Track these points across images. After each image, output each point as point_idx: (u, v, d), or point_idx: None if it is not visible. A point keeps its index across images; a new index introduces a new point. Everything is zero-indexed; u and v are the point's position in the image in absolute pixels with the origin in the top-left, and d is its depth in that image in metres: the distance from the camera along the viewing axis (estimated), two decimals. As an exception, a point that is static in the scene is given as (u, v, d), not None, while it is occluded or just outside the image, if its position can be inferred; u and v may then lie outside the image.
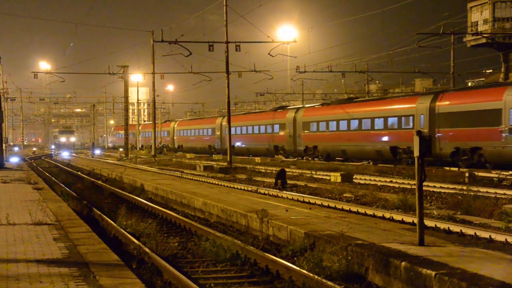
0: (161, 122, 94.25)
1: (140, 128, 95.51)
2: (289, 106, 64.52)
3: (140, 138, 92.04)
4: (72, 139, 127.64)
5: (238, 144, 60.94)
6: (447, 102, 34.24)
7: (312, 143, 47.90)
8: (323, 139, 46.46)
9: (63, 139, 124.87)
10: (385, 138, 39.13)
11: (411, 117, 36.74)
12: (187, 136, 78.75)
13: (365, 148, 41.17)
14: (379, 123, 39.85)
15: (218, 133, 66.59)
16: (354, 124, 42.57)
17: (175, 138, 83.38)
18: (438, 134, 34.14)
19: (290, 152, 51.65)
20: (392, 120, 38.64)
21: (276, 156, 52.83)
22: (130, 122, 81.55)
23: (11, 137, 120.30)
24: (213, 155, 58.99)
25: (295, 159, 48.33)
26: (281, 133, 53.14)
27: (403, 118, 37.59)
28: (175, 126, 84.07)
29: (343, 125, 43.87)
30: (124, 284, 7.86)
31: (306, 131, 48.94)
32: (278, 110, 56.75)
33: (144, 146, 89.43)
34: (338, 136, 44.24)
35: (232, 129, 61.94)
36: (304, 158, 48.17)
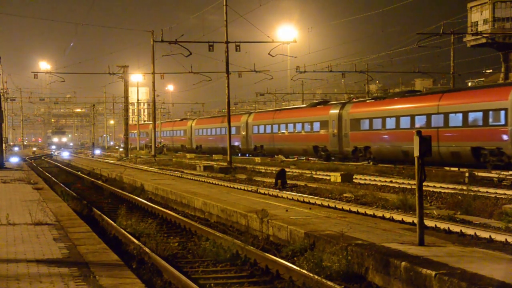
0: (178, 120, 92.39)
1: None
2: (331, 101, 58.34)
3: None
4: (64, 139, 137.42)
5: (267, 144, 56.40)
6: None
7: (363, 144, 41.62)
8: (378, 139, 40.09)
9: (55, 139, 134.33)
10: (466, 137, 32.66)
11: (502, 112, 30.56)
12: (206, 136, 72.15)
13: (437, 149, 33.85)
14: (455, 120, 33.42)
15: (243, 132, 60.66)
16: (421, 120, 35.91)
17: (192, 138, 76.86)
18: None
19: (335, 153, 45.54)
20: (474, 116, 32.33)
21: (276, 158, 52.63)
22: (131, 122, 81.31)
23: (11, 137, 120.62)
24: (213, 155, 58.66)
25: (345, 162, 41.97)
26: (323, 131, 46.68)
27: (490, 112, 31.24)
28: (193, 124, 77.42)
29: (405, 122, 37.30)
30: (124, 284, 7.86)
31: (355, 130, 42.55)
32: (318, 106, 50.39)
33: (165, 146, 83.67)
34: (399, 135, 37.61)
35: (261, 128, 59.03)
36: (353, 160, 42.46)
